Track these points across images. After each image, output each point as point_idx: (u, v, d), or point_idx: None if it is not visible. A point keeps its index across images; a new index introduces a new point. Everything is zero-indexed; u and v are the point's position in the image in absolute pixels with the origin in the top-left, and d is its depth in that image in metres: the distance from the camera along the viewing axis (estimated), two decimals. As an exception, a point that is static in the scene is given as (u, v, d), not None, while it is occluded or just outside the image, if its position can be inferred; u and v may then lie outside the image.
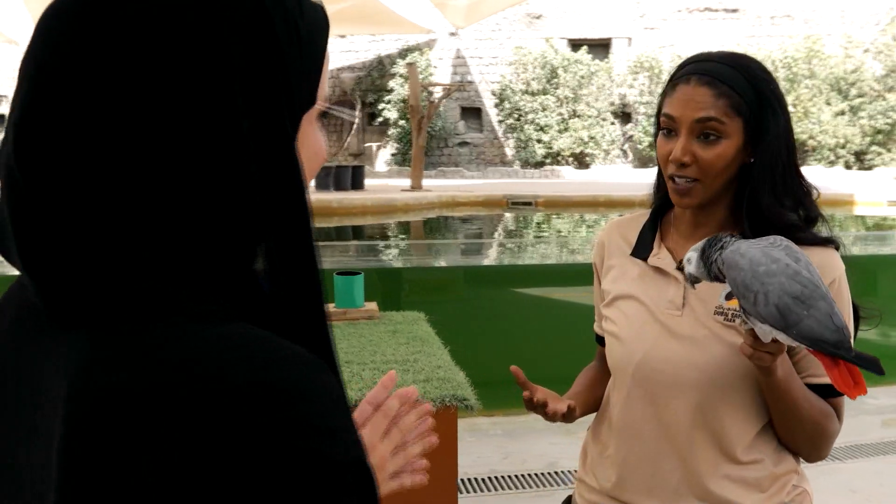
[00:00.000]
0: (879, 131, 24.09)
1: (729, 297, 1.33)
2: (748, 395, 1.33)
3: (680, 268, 1.36)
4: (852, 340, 1.19)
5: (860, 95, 24.09)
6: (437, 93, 20.19)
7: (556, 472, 3.86)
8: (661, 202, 1.44)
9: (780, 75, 23.36)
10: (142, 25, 0.54)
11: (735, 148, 1.30)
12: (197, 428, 0.50)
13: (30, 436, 0.56)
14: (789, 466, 1.38)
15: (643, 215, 1.50)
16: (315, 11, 0.65)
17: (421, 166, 17.12)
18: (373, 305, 3.55)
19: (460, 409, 2.41)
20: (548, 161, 24.72)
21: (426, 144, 22.39)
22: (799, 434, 1.33)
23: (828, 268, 1.29)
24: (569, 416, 1.43)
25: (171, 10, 0.55)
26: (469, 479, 3.77)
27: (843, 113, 23.95)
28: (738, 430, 1.33)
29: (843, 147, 24.04)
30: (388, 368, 2.65)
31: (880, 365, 1.13)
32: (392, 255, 8.33)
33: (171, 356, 0.53)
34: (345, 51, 26.69)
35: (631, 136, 25.32)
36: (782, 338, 1.15)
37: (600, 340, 1.54)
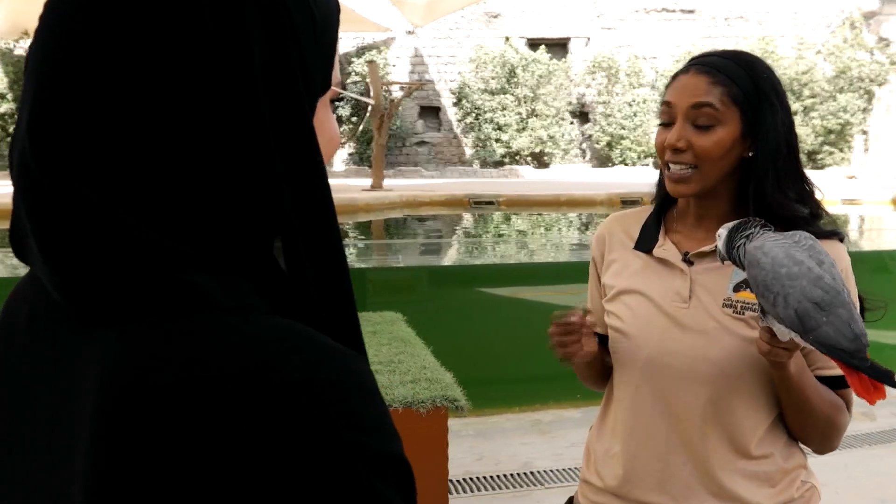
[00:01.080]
0: (831, 131, 24.66)
1: (737, 288, 1.32)
2: (760, 389, 1.32)
3: (686, 259, 1.36)
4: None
5: (812, 96, 24.61)
6: (397, 91, 20.11)
7: (530, 473, 3.85)
8: (664, 197, 1.43)
9: (734, 76, 23.75)
10: (157, 11, 0.53)
11: (731, 137, 1.30)
12: (254, 424, 0.49)
13: (50, 433, 0.55)
14: (798, 461, 1.37)
15: (645, 210, 1.49)
16: None
17: (381, 165, 17.03)
18: (350, 306, 3.48)
19: (450, 410, 2.37)
20: (507, 160, 24.80)
21: (386, 144, 22.33)
22: (811, 427, 1.33)
23: (835, 260, 1.27)
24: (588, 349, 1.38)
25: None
26: (451, 481, 3.74)
27: (795, 113, 24.33)
28: (750, 423, 1.32)
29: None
30: (373, 369, 2.59)
31: (894, 378, 1.13)
32: (361, 256, 8.26)
33: (216, 351, 0.51)
34: (302, 49, 26.46)
35: (589, 136, 25.53)
36: (799, 340, 1.15)
37: (601, 339, 1.48)
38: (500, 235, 12.69)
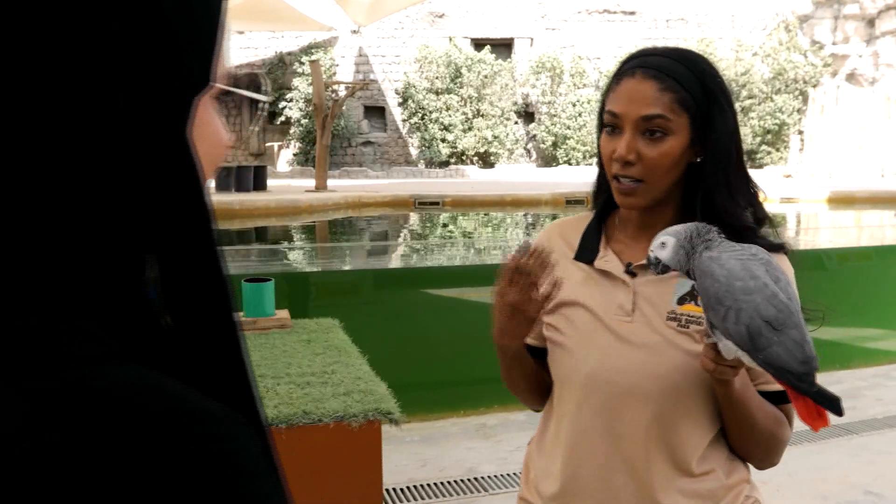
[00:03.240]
0: (768, 131, 25.24)
1: (682, 301, 1.26)
2: (704, 405, 1.27)
3: (629, 271, 1.30)
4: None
5: (750, 97, 25.15)
6: (342, 91, 19.94)
7: (475, 479, 3.81)
8: (605, 203, 1.37)
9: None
10: None
11: (681, 145, 1.24)
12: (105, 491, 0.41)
13: None
14: (741, 476, 1.33)
15: (585, 218, 1.42)
16: None
17: (325, 166, 16.87)
18: (284, 313, 3.38)
19: (384, 422, 2.29)
20: (452, 160, 24.80)
21: (329, 144, 22.12)
22: (752, 443, 1.29)
23: None
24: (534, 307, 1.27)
25: None
26: (389, 490, 3.66)
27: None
28: (693, 441, 1.28)
29: (735, 146, 25.05)
30: (304, 381, 2.50)
31: (841, 405, 1.09)
32: (299, 259, 8.12)
33: (53, 415, 0.42)
34: (243, 47, 26.06)
35: (534, 136, 25.67)
36: (746, 359, 1.10)
37: (533, 352, 1.41)
38: (446, 237, 12.65)
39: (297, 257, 8.43)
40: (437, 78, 24.66)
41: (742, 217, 1.26)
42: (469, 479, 3.80)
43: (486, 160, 25.07)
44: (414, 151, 25.60)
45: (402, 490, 3.70)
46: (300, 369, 2.68)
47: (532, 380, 1.43)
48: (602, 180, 1.36)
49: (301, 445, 2.21)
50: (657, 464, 1.27)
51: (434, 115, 24.69)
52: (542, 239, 1.46)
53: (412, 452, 4.27)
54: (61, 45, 0.45)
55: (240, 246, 10.22)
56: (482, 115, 24.88)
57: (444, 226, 13.88)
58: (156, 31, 0.48)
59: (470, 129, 24.71)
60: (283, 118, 25.03)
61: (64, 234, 0.46)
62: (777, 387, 1.24)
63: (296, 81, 24.69)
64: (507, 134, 25.21)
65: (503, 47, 25.72)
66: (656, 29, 25.63)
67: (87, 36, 0.46)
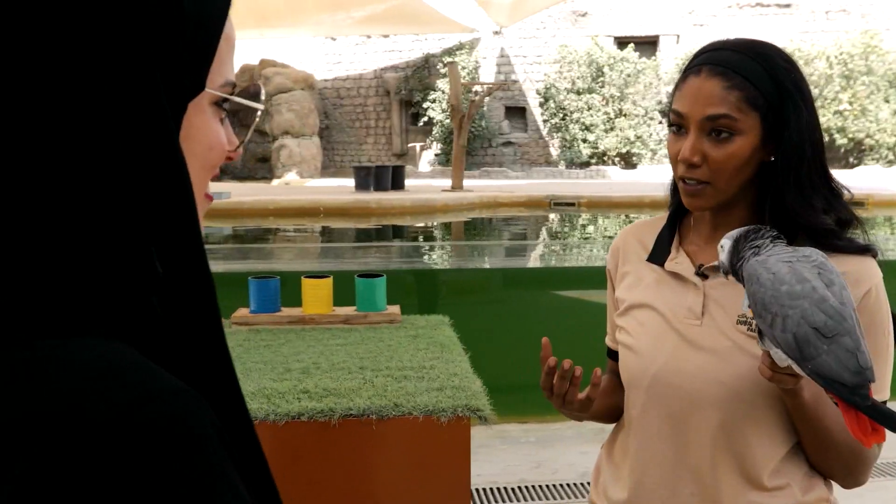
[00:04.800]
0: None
1: None
2: (776, 413, 1.21)
3: (699, 273, 1.25)
4: (890, 369, 1.08)
5: (921, 92, 23.32)
6: (480, 92, 20.11)
7: (587, 483, 3.77)
8: (679, 205, 1.33)
9: (835, 72, 22.78)
10: None
11: (751, 146, 1.18)
12: (31, 475, 0.43)
13: None
14: (820, 494, 1.25)
15: (661, 219, 1.39)
16: None
17: (461, 166, 17.06)
18: (395, 309, 3.45)
19: (475, 419, 2.29)
20: (593, 161, 24.47)
21: (469, 144, 22.33)
22: (832, 459, 1.22)
23: (863, 277, 1.18)
24: (585, 406, 1.30)
25: None
26: (498, 489, 3.69)
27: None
28: (763, 451, 1.21)
29: (903, 146, 23.32)
30: (402, 375, 2.55)
31: None
32: (419, 257, 8.26)
33: (33, 386, 0.46)
34: (388, 50, 26.77)
35: (678, 136, 24.90)
36: (796, 368, 1.03)
37: (612, 355, 1.42)
38: (585, 238, 12.50)
39: (419, 255, 8.58)
40: (578, 78, 24.39)
41: (815, 218, 1.19)
42: (581, 483, 3.76)
43: (628, 161, 24.56)
44: (554, 152, 25.44)
45: (505, 490, 3.71)
46: (400, 363, 2.73)
47: (603, 415, 1.44)
48: (675, 181, 1.32)
49: (391, 437, 2.26)
50: (725, 474, 1.23)
51: (575, 116, 24.43)
52: (618, 242, 1.44)
53: (526, 453, 4.30)
54: (59, 54, 0.48)
55: (360, 243, 10.52)
56: (624, 115, 24.38)
57: (584, 226, 13.74)
58: (146, 40, 0.51)
59: (612, 129, 24.28)
60: (425, 119, 25.55)
61: (59, 224, 0.50)
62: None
63: (437, 83, 25.14)
64: (651, 134, 24.58)
65: (647, 45, 25.10)
66: (814, 22, 24.22)
67: (82, 46, 0.49)
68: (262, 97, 0.66)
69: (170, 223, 0.53)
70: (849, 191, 1.25)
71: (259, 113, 0.66)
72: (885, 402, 1.18)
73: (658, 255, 1.34)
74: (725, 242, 1.14)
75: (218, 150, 0.61)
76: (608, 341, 1.46)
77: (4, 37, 0.48)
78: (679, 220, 1.36)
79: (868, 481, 1.27)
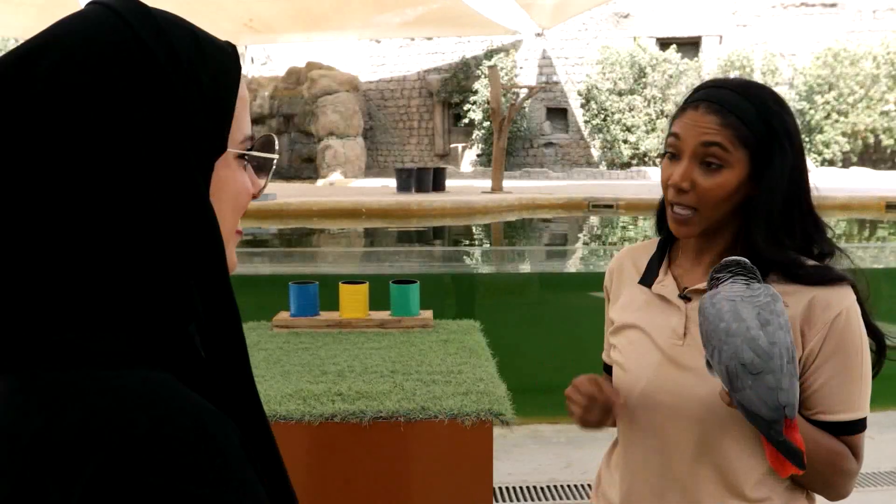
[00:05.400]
0: None
1: None
2: (753, 430, 1.28)
3: (683, 296, 1.36)
4: (864, 387, 1.19)
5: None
6: (522, 94, 20.11)
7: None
8: (669, 230, 1.42)
9: (882, 72, 22.29)
10: (42, 99, 0.59)
11: (737, 179, 1.27)
12: (94, 477, 0.53)
13: None
14: None
15: (655, 242, 1.48)
16: (221, 55, 0.67)
17: (501, 168, 17.07)
18: (428, 314, 3.57)
19: (497, 423, 2.41)
20: (634, 162, 24.29)
21: (510, 145, 22.32)
22: (810, 474, 1.27)
23: (833, 302, 1.26)
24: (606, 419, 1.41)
25: (70, 84, 0.59)
26: (529, 488, 3.77)
27: None
28: (744, 465, 1.30)
29: (952, 148, 22.73)
30: (430, 379, 2.67)
31: (803, 459, 1.11)
32: (455, 261, 8.33)
33: (69, 406, 0.56)
34: (431, 52, 26.89)
35: (722, 137, 24.54)
36: (726, 398, 1.16)
37: (606, 369, 1.52)
38: (624, 239, 12.47)
39: (453, 258, 8.64)
40: (620, 79, 24.22)
41: (778, 254, 1.27)
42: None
43: (670, 162, 24.32)
44: (595, 153, 25.31)
45: (535, 488, 3.79)
46: (430, 367, 2.84)
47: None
48: (664, 206, 1.40)
49: (417, 439, 2.39)
50: (707, 486, 1.31)
51: (616, 117, 24.27)
52: (613, 264, 1.53)
53: (557, 453, 4.34)
54: (105, 140, 0.59)
55: (396, 248, 10.59)
56: (666, 116, 24.11)
57: (623, 228, 13.68)
58: (175, 120, 0.62)
59: (653, 130, 24.07)
60: (466, 120, 25.62)
61: (114, 274, 0.60)
62: (839, 417, 1.25)
63: (477, 84, 25.19)
64: (693, 135, 24.30)
65: (690, 46, 24.84)
66: (861, 21, 23.71)
67: (129, 130, 0.60)
68: (276, 146, 0.75)
69: (201, 263, 0.62)
70: (832, 229, 1.33)
71: (275, 161, 0.76)
72: (861, 420, 1.27)
73: (647, 278, 1.43)
74: (711, 272, 1.24)
75: (244, 194, 0.70)
76: (603, 356, 1.55)
77: (77, 124, 0.59)
78: (669, 244, 1.45)
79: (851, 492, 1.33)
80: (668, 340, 1.35)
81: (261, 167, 0.74)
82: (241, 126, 0.69)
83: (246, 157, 0.71)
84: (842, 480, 1.29)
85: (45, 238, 0.59)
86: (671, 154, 1.32)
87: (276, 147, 0.76)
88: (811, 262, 1.29)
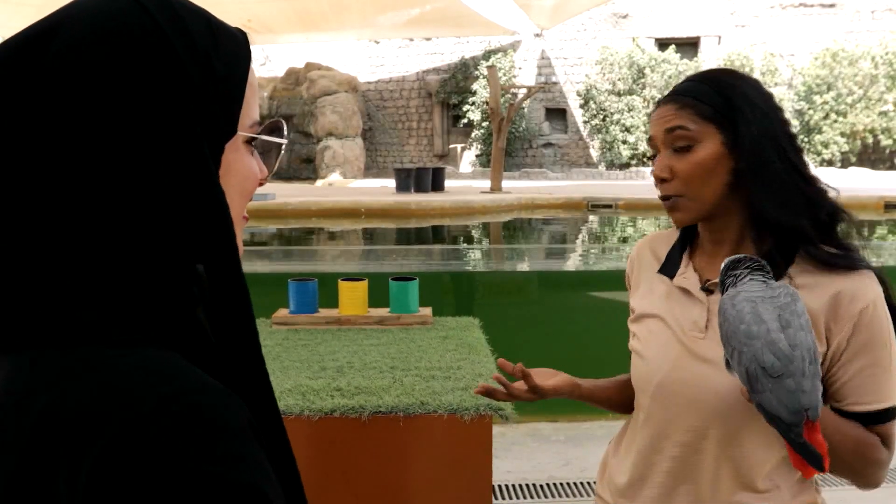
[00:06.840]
0: None
1: None
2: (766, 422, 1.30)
3: (704, 288, 1.36)
4: None
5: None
6: (520, 94, 20.13)
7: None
8: None
9: (880, 72, 22.31)
10: (56, 76, 0.59)
11: (712, 153, 1.29)
12: (103, 453, 0.53)
13: None
14: (808, 498, 1.34)
15: (676, 232, 1.48)
16: (233, 41, 0.69)
17: (500, 168, 17.09)
18: (427, 311, 3.56)
19: (496, 418, 2.41)
20: (633, 162, 24.31)
21: (509, 146, 22.33)
22: (838, 465, 1.27)
23: (859, 294, 1.25)
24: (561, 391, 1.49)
25: (83, 64, 0.60)
26: (528, 486, 3.77)
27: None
28: (758, 457, 1.30)
29: (951, 147, 22.76)
30: (429, 375, 2.66)
31: (823, 462, 1.10)
32: (453, 259, 8.34)
33: (80, 383, 0.57)
34: (430, 53, 26.90)
35: (720, 137, 24.56)
36: (746, 397, 1.16)
37: None
38: (622, 240, 12.48)
39: (452, 256, 8.64)
40: (619, 79, 24.25)
41: (795, 219, 1.26)
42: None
43: (668, 162, 24.35)
44: (594, 153, 25.33)
45: (532, 486, 3.79)
46: (429, 363, 2.84)
47: (617, 405, 1.56)
48: None
49: (417, 433, 2.38)
50: (719, 477, 1.32)
51: (615, 117, 24.30)
52: (633, 253, 1.54)
53: (556, 452, 4.34)
54: (119, 120, 0.60)
55: (396, 246, 10.58)
56: (665, 116, 24.17)
57: (621, 228, 13.68)
58: (188, 103, 0.63)
59: (652, 130, 24.07)
60: (465, 121, 25.64)
61: (125, 255, 0.62)
62: (870, 408, 1.25)
63: (476, 85, 25.20)
64: (692, 135, 24.33)
65: (689, 46, 24.86)
66: (859, 21, 23.74)
67: (145, 113, 0.61)
68: (285, 132, 0.77)
69: (212, 245, 0.63)
70: (834, 189, 1.31)
71: (283, 147, 0.77)
72: (892, 409, 1.26)
73: (668, 269, 1.42)
74: (721, 267, 1.23)
75: (252, 179, 0.71)
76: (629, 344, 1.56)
77: (91, 104, 0.60)
78: (691, 235, 1.44)
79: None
80: (689, 333, 1.34)
81: (268, 154, 0.75)
82: (250, 111, 0.70)
83: (254, 141, 0.71)
84: (871, 470, 1.28)
85: (55, 217, 0.60)
86: (653, 155, 1.36)
87: (285, 132, 0.77)
88: (829, 248, 1.27)
